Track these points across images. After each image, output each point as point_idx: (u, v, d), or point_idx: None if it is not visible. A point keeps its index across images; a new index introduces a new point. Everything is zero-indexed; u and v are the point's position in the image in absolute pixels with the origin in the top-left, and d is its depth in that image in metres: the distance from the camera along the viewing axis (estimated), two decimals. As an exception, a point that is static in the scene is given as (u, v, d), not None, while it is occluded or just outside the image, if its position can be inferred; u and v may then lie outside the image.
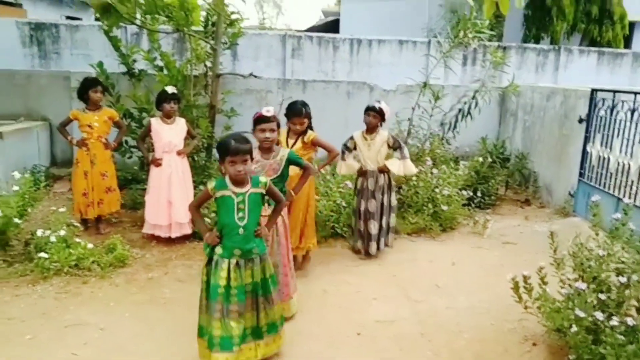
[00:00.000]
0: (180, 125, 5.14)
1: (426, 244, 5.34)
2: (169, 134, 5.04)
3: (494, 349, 3.40)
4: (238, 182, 2.91)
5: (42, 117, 7.33)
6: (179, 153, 5.07)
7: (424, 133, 7.05)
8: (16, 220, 4.44)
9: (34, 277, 4.18)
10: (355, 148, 4.88)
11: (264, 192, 3.00)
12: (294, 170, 3.88)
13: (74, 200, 5.27)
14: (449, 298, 4.12)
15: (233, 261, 2.92)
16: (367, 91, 7.97)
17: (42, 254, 4.17)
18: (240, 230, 2.91)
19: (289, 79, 8.10)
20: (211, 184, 2.93)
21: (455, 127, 7.27)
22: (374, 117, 4.80)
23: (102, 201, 5.25)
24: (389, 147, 4.87)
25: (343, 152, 4.86)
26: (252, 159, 2.94)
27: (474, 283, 4.41)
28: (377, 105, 4.82)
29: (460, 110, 7.27)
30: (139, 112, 6.22)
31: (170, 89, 5.06)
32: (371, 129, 4.86)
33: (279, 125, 3.58)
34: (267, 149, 3.56)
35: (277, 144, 3.73)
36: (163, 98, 5.01)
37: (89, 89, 5.14)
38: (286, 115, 4.24)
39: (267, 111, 3.44)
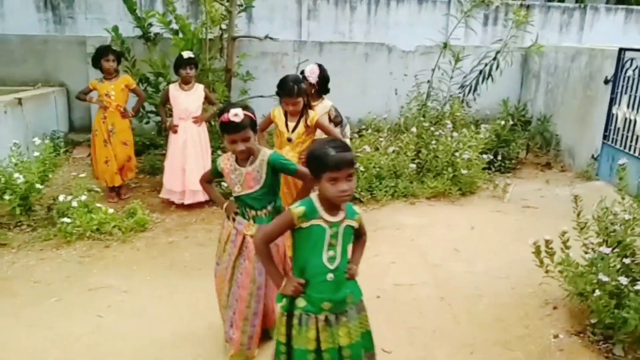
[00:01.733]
0: (198, 92, 5.06)
1: (445, 209, 5.29)
2: (185, 101, 4.98)
3: (514, 312, 3.39)
4: (333, 207, 2.10)
5: (60, 83, 7.33)
6: (194, 120, 5.03)
7: (443, 95, 6.91)
8: (38, 185, 4.49)
9: (57, 241, 4.26)
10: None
11: (357, 226, 2.21)
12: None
13: (96, 168, 5.27)
14: (468, 262, 4.10)
15: (322, 317, 2.10)
16: (386, 52, 7.79)
17: (65, 219, 4.23)
18: (330, 276, 2.09)
19: (305, 41, 7.95)
20: (297, 209, 2.06)
21: (475, 89, 7.09)
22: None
23: (124, 168, 5.28)
24: (330, 120, 4.07)
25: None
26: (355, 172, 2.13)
27: (493, 247, 4.38)
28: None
29: (481, 71, 7.07)
30: (155, 77, 6.18)
31: (187, 54, 4.94)
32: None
33: (254, 126, 2.67)
34: (241, 154, 2.67)
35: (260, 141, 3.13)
36: (179, 63, 4.91)
37: (101, 58, 5.07)
38: (277, 94, 3.67)
39: (235, 115, 2.53)
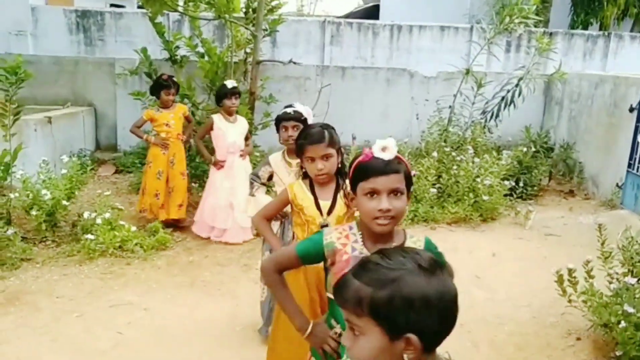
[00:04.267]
0: (242, 124, 4.83)
1: (466, 234, 5.26)
2: (233, 134, 4.68)
3: (536, 342, 3.33)
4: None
5: (88, 103, 7.54)
6: (242, 154, 4.77)
7: (465, 121, 6.93)
8: (64, 202, 4.59)
9: (81, 257, 4.33)
10: (270, 178, 3.13)
11: None
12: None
13: (142, 200, 5.04)
14: (489, 289, 4.05)
15: None
16: (407, 78, 7.84)
17: (89, 236, 4.31)
18: None
19: (328, 66, 8.07)
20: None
21: (497, 115, 7.08)
22: (296, 128, 2.95)
23: (183, 204, 5.05)
24: None
25: (252, 184, 3.18)
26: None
27: (514, 275, 4.32)
28: (292, 110, 3.03)
29: (503, 98, 7.07)
30: (181, 99, 6.32)
31: (231, 83, 4.65)
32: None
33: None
34: (382, 227, 1.60)
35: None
36: (223, 94, 4.59)
37: (161, 90, 4.92)
38: (299, 148, 2.37)
39: (385, 150, 1.59)
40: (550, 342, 3.32)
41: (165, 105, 4.99)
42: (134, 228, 4.59)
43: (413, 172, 1.73)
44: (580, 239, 4.84)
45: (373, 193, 1.55)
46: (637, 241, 3.10)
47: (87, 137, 7.31)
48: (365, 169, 1.57)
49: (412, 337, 1.07)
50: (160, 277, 4.09)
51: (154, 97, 5.27)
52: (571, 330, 3.41)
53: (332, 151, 2.28)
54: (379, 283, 1.08)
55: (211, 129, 4.70)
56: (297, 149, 2.34)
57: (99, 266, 4.21)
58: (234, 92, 4.62)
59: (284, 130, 3.01)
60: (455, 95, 6.74)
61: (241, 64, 6.56)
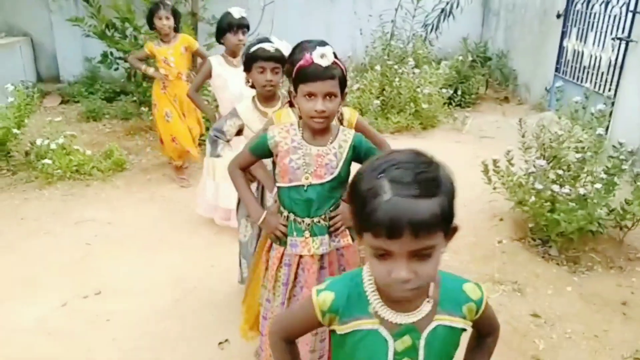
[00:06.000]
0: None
1: (407, 141, 5.62)
2: (238, 82, 3.02)
3: (465, 225, 3.70)
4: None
5: (23, 33, 7.26)
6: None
7: (407, 35, 7.13)
8: (15, 130, 4.63)
9: (39, 183, 4.45)
10: (239, 133, 2.49)
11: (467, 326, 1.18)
12: None
13: (164, 151, 4.62)
14: (427, 186, 4.45)
15: None
16: (350, -7, 7.88)
17: (46, 161, 4.41)
18: None
19: (271, -17, 7.95)
20: (322, 297, 1.16)
21: (437, 27, 7.32)
22: (276, 70, 2.44)
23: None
24: None
25: (215, 142, 2.47)
26: None
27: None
28: (272, 47, 2.43)
29: (442, 10, 7.29)
30: (122, 22, 6.20)
31: (237, 12, 3.40)
32: (272, 95, 2.53)
33: (344, 85, 1.81)
34: (318, 124, 1.77)
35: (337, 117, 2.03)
36: (226, 26, 3.41)
37: (152, 16, 4.24)
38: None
39: (323, 56, 1.71)
40: (477, 224, 3.78)
41: (164, 35, 4.28)
42: (88, 152, 4.71)
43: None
44: (511, 139, 5.20)
45: (311, 95, 1.72)
46: (549, 130, 3.50)
47: (26, 69, 7.11)
48: (305, 73, 1.71)
49: (456, 223, 1.05)
50: (121, 195, 4.29)
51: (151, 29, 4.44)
52: (496, 214, 3.88)
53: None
54: (437, 187, 0.99)
55: (209, 76, 3.53)
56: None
57: (58, 189, 4.36)
58: (242, 25, 3.44)
59: (260, 72, 2.43)
60: (396, 9, 6.89)
61: (180, -18, 6.41)
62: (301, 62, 1.73)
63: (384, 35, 6.97)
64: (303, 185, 1.79)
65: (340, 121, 2.08)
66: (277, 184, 1.88)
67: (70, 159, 4.55)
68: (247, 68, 2.47)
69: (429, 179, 0.99)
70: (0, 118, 4.57)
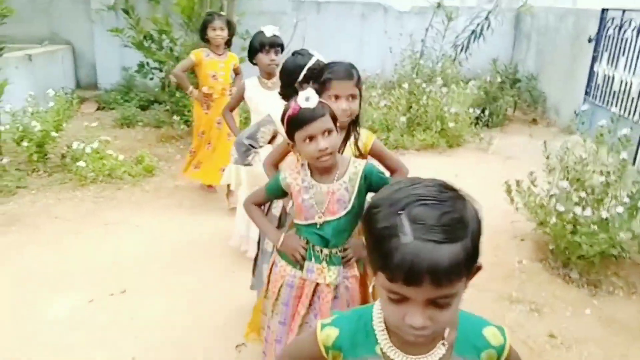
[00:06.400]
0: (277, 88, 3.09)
1: (432, 158, 5.66)
2: (271, 104, 2.61)
3: (487, 244, 3.75)
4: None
5: (66, 41, 7.59)
6: None
7: (436, 54, 7.20)
8: (53, 133, 4.83)
9: (73, 184, 4.63)
10: (272, 140, 2.52)
11: None
12: None
13: (186, 167, 4.55)
14: (450, 204, 4.47)
15: None
16: (382, 12, 8.02)
17: (80, 163, 4.60)
18: None
19: (303, 0, 8.15)
20: (325, 332, 1.12)
21: (467, 48, 7.37)
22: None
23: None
24: None
25: (248, 151, 2.51)
26: None
27: (473, 192, 4.69)
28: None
29: (473, 31, 7.34)
30: (159, 34, 6.44)
31: (270, 30, 3.17)
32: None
33: (335, 117, 1.80)
34: (324, 162, 1.78)
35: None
36: (259, 45, 3.16)
37: (206, 27, 4.07)
38: (320, 81, 2.00)
39: (307, 100, 1.71)
40: (499, 244, 3.78)
41: (216, 47, 4.09)
42: (121, 157, 4.88)
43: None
44: (537, 161, 5.23)
45: (310, 137, 1.72)
46: (573, 153, 3.50)
47: (66, 76, 7.42)
48: (297, 120, 1.71)
49: (480, 262, 0.96)
50: (149, 200, 4.44)
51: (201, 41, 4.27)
52: (517, 234, 3.88)
53: (357, 90, 2.00)
54: (463, 229, 0.90)
55: (242, 98, 3.34)
56: (320, 85, 1.97)
57: (91, 191, 4.53)
58: (274, 44, 3.19)
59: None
60: (427, 29, 6.97)
61: (217, -1, 6.63)
62: (289, 113, 1.74)
63: (413, 54, 7.05)
64: (316, 224, 1.82)
65: (356, 142, 2.08)
66: (295, 221, 1.92)
67: (103, 163, 4.73)
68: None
69: (455, 220, 0.90)
70: (41, 121, 4.78)
